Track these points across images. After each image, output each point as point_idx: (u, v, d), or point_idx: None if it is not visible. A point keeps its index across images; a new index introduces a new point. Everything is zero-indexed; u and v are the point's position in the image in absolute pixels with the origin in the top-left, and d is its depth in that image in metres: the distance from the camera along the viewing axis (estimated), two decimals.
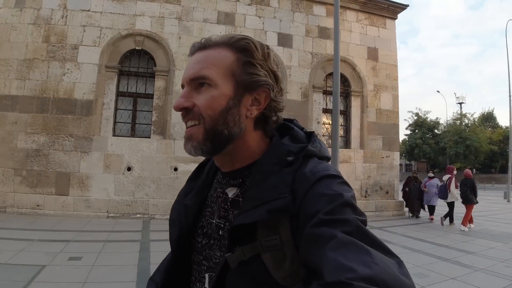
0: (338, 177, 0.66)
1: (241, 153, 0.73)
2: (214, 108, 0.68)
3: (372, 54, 10.58)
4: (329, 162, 0.73)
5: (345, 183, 0.66)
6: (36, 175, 8.12)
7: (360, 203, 9.38)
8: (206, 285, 0.74)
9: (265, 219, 0.62)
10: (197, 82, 0.69)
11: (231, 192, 0.75)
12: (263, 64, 0.70)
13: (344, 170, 9.07)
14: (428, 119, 43.63)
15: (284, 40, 9.45)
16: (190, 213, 0.80)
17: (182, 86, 0.72)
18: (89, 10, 8.64)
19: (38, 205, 8.02)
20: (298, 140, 0.74)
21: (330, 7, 9.91)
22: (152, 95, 8.67)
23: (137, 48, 8.70)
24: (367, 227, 0.59)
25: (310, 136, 0.76)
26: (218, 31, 8.94)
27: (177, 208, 0.83)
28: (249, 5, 9.42)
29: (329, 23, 10.06)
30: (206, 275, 0.74)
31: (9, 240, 5.62)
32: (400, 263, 0.53)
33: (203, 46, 0.72)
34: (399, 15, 11.21)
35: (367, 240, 0.54)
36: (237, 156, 0.74)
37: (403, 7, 11.06)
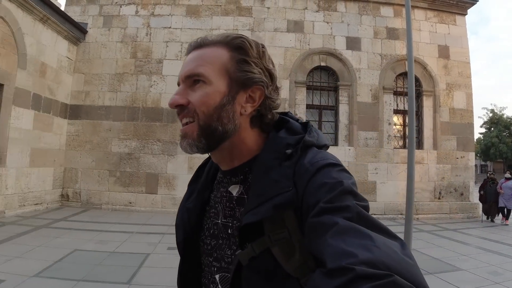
0: (337, 165, 0.70)
1: (239, 150, 0.79)
2: (208, 104, 0.73)
3: (443, 52, 11.03)
4: (328, 150, 0.79)
5: (345, 170, 0.70)
6: (128, 175, 9.73)
7: (433, 205, 10.01)
8: (220, 286, 0.79)
9: (271, 215, 0.67)
10: (192, 80, 0.75)
11: (234, 190, 0.80)
12: (257, 62, 0.76)
13: (416, 172, 9.64)
14: (505, 116, 41.32)
15: (353, 43, 10.30)
16: (193, 215, 0.86)
17: (178, 84, 0.78)
18: (170, 27, 10.17)
19: (130, 202, 9.65)
20: (295, 131, 0.78)
21: (398, 7, 10.60)
22: None
23: None
24: (370, 213, 0.63)
25: (306, 126, 0.81)
26: (288, 39, 10.04)
27: (180, 212, 0.90)
28: (316, 11, 10.39)
29: (397, 23, 10.73)
30: (217, 276, 0.80)
31: (111, 233, 7.00)
32: (403, 244, 0.56)
33: (199, 45, 0.78)
34: (468, 10, 11.46)
35: (368, 225, 0.58)
36: (235, 154, 0.79)
37: (472, 2, 11.41)
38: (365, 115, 9.90)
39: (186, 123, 0.75)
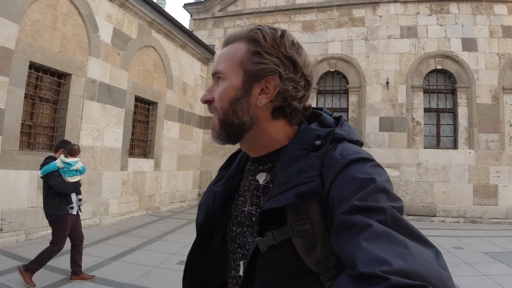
0: (370, 159, 0.65)
1: (262, 141, 0.77)
2: (224, 99, 0.73)
3: None
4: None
5: (378, 165, 0.65)
6: None
7: None
8: (241, 272, 0.76)
9: (293, 203, 0.63)
10: (216, 77, 0.76)
11: (261, 178, 0.78)
12: (272, 51, 0.72)
13: None
14: None
15: (469, 44, 9.76)
16: (218, 199, 0.85)
17: None
18: None
19: None
20: (327, 124, 0.76)
21: (511, 4, 9.70)
22: (347, 108, 9.98)
23: (331, 70, 10.08)
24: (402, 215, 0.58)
25: (339, 120, 0.78)
26: (403, 45, 9.80)
27: (206, 193, 0.90)
28: (429, 15, 9.99)
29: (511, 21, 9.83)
30: (241, 263, 0.77)
31: None
32: (437, 253, 0.53)
33: (226, 43, 0.79)
34: None
35: (403, 230, 0.54)
36: (258, 144, 0.78)
37: None
38: (485, 117, 9.34)
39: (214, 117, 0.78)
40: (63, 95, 6.44)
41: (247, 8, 11.15)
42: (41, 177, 4.01)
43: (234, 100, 0.72)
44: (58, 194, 3.92)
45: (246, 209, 0.79)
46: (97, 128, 7.11)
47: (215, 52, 11.20)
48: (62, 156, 4.09)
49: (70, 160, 4.10)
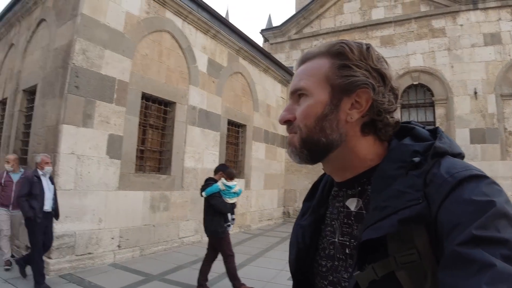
0: (484, 177, 0.56)
1: (350, 160, 0.70)
2: (310, 116, 0.69)
3: None
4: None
5: (494, 183, 0.56)
6: None
7: None
8: None
9: (396, 231, 0.55)
10: (296, 95, 0.72)
11: (352, 205, 0.71)
12: (361, 64, 0.68)
13: None
14: None
15: None
16: (307, 232, 0.80)
17: None
18: None
19: None
20: (422, 138, 0.68)
21: None
22: (434, 122, 9.97)
23: (414, 83, 10.11)
24: None
25: (436, 132, 0.70)
26: (488, 53, 9.71)
27: (295, 230, 0.84)
28: (511, 20, 9.70)
29: None
30: None
31: None
32: None
33: (303, 60, 0.76)
34: None
35: None
36: (346, 164, 0.71)
37: None
38: None
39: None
40: (169, 122, 7.10)
41: (323, 29, 11.45)
42: (204, 197, 4.52)
43: (321, 117, 0.68)
44: (217, 213, 4.41)
45: (336, 240, 0.72)
46: (198, 151, 7.70)
47: (294, 73, 11.49)
48: (223, 179, 4.56)
49: (230, 183, 4.57)
